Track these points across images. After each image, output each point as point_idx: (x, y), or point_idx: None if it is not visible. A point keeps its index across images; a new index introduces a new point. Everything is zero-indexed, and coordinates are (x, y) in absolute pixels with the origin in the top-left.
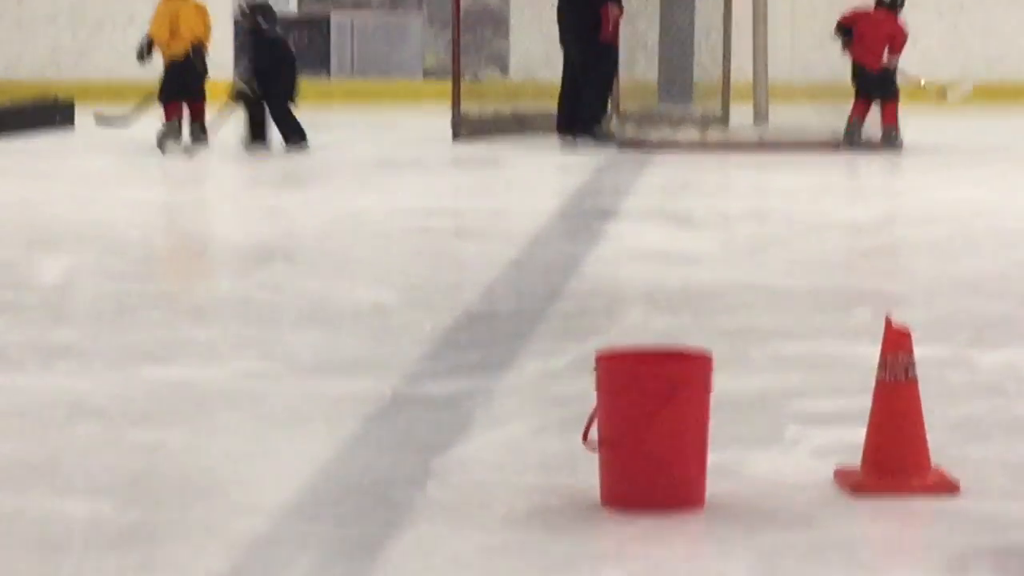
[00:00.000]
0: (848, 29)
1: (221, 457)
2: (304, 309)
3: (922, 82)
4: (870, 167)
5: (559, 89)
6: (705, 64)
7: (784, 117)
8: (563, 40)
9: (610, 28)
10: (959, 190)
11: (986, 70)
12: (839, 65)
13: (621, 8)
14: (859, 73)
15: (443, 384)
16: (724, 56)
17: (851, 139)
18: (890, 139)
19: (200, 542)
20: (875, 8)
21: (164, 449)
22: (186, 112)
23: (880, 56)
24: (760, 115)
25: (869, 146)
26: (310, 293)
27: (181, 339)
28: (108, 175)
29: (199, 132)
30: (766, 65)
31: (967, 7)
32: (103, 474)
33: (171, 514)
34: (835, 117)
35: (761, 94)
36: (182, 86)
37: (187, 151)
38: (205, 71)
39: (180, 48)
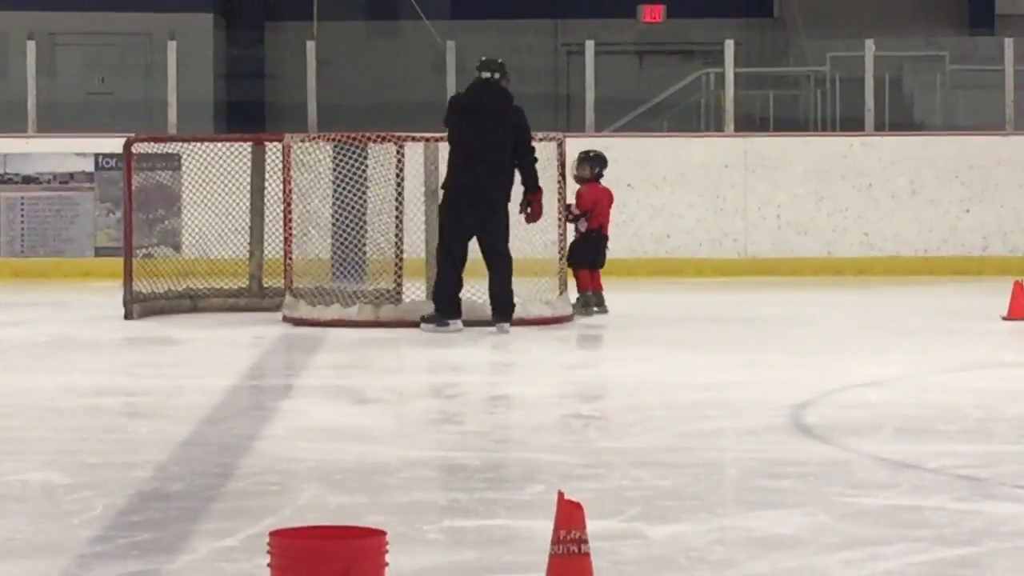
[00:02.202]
0: (587, 212)
1: None
2: None
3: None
4: (545, 341)
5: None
6: (378, 241)
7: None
8: (480, 218)
9: (540, 213)
10: (631, 365)
11: (654, 247)
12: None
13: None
14: (596, 243)
15: (115, 566)
16: (397, 233)
17: (591, 308)
18: (604, 304)
19: None
20: (592, 183)
21: None
22: None
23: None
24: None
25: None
26: None
27: None
28: None
29: None
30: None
31: (636, 188)
32: None
33: None
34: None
35: (433, 271)
36: None
37: None
38: None
39: None
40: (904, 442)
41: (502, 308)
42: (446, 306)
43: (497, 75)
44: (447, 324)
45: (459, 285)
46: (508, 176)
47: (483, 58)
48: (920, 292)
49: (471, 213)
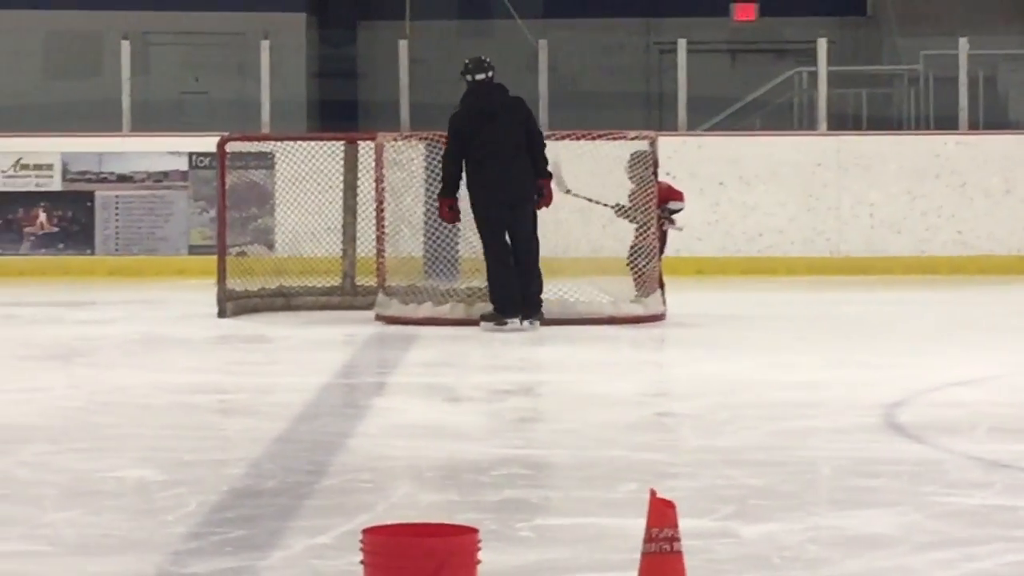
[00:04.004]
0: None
1: None
2: (67, 487)
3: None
4: (637, 340)
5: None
6: (470, 239)
7: (553, 291)
8: (511, 209)
9: (551, 197)
10: (723, 363)
11: (746, 245)
12: (598, 238)
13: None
14: (664, 238)
15: (208, 562)
16: None
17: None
18: None
19: None
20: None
21: None
22: None
23: None
24: None
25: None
26: (73, 471)
27: None
28: None
29: None
30: None
31: (728, 186)
32: None
33: None
34: (599, 292)
35: None
36: None
37: None
38: None
39: None
40: (998, 441)
41: (529, 306)
42: (504, 304)
43: (491, 73)
44: (506, 323)
45: (514, 282)
46: (529, 169)
47: (467, 61)
48: (1014, 291)
49: (502, 212)
